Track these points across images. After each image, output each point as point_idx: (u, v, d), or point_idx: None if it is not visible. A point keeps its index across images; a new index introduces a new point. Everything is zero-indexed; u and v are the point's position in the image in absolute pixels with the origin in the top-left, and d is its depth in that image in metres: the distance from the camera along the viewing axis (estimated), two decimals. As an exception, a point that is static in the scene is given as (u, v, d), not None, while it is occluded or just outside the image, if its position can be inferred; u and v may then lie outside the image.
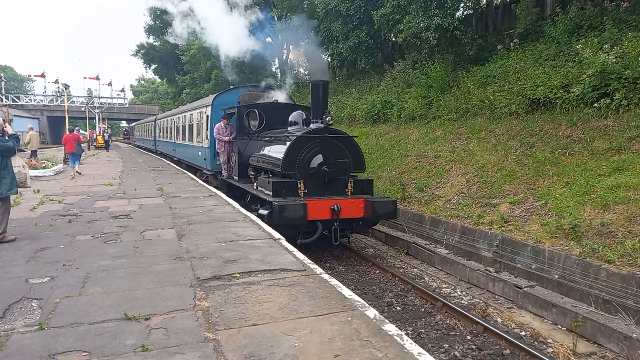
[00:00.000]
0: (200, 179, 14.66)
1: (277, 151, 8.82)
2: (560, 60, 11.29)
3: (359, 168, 8.96)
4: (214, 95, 14.05)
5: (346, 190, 8.63)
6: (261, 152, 9.83)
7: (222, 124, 11.53)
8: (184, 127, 18.70)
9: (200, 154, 14.96)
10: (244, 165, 10.75)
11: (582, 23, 11.94)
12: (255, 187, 9.41)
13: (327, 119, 8.36)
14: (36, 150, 20.32)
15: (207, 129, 13.65)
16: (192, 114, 16.85)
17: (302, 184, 8.22)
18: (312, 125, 8.91)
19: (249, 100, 12.63)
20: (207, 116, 13.66)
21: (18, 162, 6.21)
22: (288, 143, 8.43)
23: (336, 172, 8.43)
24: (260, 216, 7.96)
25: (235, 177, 11.19)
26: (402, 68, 17.99)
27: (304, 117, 9.83)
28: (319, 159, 8.42)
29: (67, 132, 17.32)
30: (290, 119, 10.03)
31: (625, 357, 5.18)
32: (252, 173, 10.29)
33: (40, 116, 59.85)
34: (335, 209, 7.95)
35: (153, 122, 31.31)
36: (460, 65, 15.08)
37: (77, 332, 3.44)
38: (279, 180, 8.42)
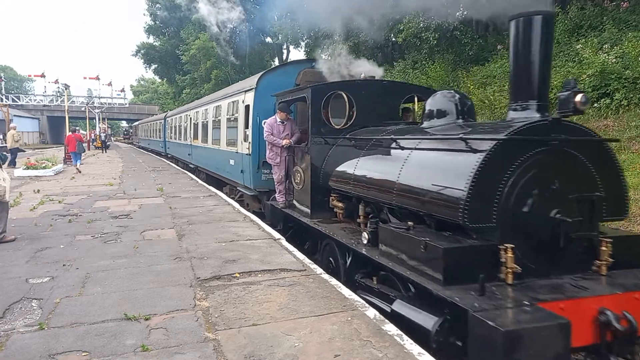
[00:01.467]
0: (231, 198, 10.50)
1: (435, 174, 4.11)
2: (560, 60, 11.30)
3: (619, 211, 4.13)
4: (259, 75, 9.18)
5: (596, 262, 3.80)
6: (364, 170, 5.25)
7: (278, 119, 7.21)
8: (205, 124, 14.08)
9: (233, 163, 10.31)
10: (321, 189, 6.16)
11: (582, 23, 11.96)
12: (365, 242, 4.74)
13: (576, 99, 3.64)
14: (15, 149, 19.04)
15: (247, 127, 9.10)
16: (219, 106, 12.11)
17: (509, 254, 3.48)
18: (514, 114, 4.07)
19: (315, 82, 7.28)
20: (248, 107, 9.06)
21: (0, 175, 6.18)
22: (477, 157, 3.71)
23: (580, 224, 3.70)
24: (406, 324, 3.69)
25: (304, 209, 6.45)
26: (402, 68, 18.02)
27: (459, 100, 4.90)
28: (542, 192, 3.71)
29: (70, 133, 18.37)
30: (428, 107, 5.08)
31: None
32: (339, 204, 5.93)
33: (40, 116, 59.97)
34: (611, 319, 3.23)
35: (162, 120, 26.53)
36: (460, 65, 15.11)
37: (77, 332, 3.44)
38: (459, 244, 3.69)
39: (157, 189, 12.05)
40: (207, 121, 13.78)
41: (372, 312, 3.83)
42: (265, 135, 7.28)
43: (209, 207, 9.08)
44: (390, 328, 3.52)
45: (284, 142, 7.06)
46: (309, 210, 6.28)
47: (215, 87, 30.44)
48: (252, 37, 36.81)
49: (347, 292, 4.32)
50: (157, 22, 42.19)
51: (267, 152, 7.38)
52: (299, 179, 6.64)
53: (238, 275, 4.78)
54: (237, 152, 9.85)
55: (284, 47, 35.12)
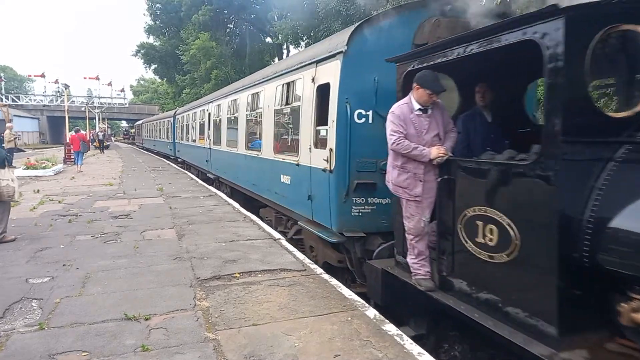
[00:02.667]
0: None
1: None
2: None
3: None
4: (348, 30, 5.24)
5: None
6: None
7: (415, 106, 3.65)
8: (233, 121, 10.39)
9: (288, 180, 6.63)
10: (578, 270, 2.51)
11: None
12: None
13: None
14: (9, 149, 19.21)
15: (321, 123, 5.58)
16: (257, 94, 8.34)
17: None
18: None
19: (447, 34, 4.15)
20: (325, 88, 5.44)
21: (7, 176, 6.17)
22: None
23: None
24: None
25: (525, 319, 2.69)
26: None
27: None
28: None
29: (74, 133, 19.13)
30: None
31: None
32: None
33: (40, 116, 60.00)
34: None
35: (172, 118, 23.06)
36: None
37: (77, 332, 3.44)
38: None
39: (157, 189, 12.06)
40: (235, 117, 10.08)
41: (372, 312, 3.83)
42: (392, 139, 3.59)
43: (208, 207, 9.08)
44: (390, 328, 3.52)
45: (435, 152, 3.46)
46: (553, 331, 2.53)
47: (215, 87, 30.42)
48: (252, 37, 36.86)
49: (347, 292, 4.32)
50: (157, 22, 42.17)
51: (392, 171, 3.73)
52: (494, 237, 2.94)
53: (238, 275, 4.78)
54: (298, 165, 6.16)
55: (284, 47, 35.12)
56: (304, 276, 4.78)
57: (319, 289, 4.39)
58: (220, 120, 11.78)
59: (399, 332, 3.47)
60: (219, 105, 12.05)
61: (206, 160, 13.75)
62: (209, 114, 13.32)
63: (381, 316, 3.77)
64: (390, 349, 3.17)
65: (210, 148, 13.02)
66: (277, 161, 7.13)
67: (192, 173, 17.02)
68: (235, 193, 10.65)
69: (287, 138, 7.08)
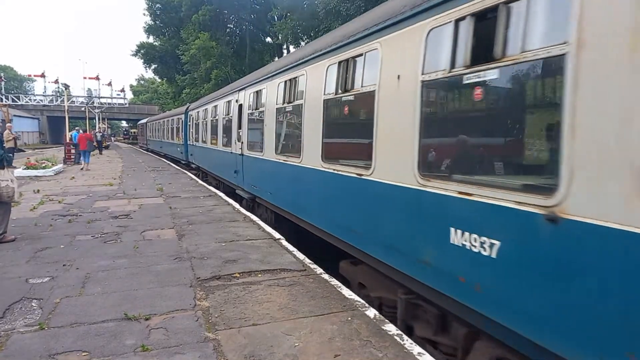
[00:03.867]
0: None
1: None
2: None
3: None
4: None
5: None
6: None
7: None
8: (290, 114, 6.84)
9: (490, 250, 2.71)
10: None
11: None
12: None
13: None
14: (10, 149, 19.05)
15: None
16: (375, 52, 4.15)
17: None
18: None
19: None
20: None
21: (7, 176, 6.16)
22: None
23: None
24: None
25: None
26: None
27: None
28: None
29: (81, 132, 21.03)
30: None
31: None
32: None
33: (40, 116, 60.00)
34: None
35: (183, 115, 19.57)
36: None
37: (77, 332, 3.44)
38: None
39: (157, 189, 12.06)
40: (296, 107, 6.39)
41: (372, 312, 3.83)
42: None
43: (208, 207, 9.08)
44: (390, 328, 3.52)
45: None
46: None
47: (215, 87, 30.40)
48: (252, 37, 36.87)
49: (347, 292, 4.32)
50: (157, 22, 42.22)
51: None
52: None
53: (238, 275, 4.78)
54: (554, 222, 2.31)
55: (284, 47, 35.13)
56: (304, 276, 4.78)
57: (319, 289, 4.39)
58: (262, 113, 7.88)
59: (399, 332, 3.48)
60: (257, 92, 8.25)
61: (235, 172, 10.02)
62: (240, 105, 9.55)
63: (381, 316, 3.77)
64: (390, 349, 3.17)
65: (242, 155, 9.31)
66: (434, 195, 3.34)
67: (211, 184, 13.74)
68: (280, 221, 7.30)
69: (483, 144, 3.27)
